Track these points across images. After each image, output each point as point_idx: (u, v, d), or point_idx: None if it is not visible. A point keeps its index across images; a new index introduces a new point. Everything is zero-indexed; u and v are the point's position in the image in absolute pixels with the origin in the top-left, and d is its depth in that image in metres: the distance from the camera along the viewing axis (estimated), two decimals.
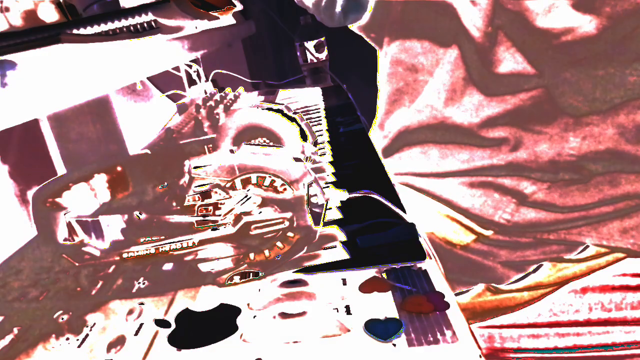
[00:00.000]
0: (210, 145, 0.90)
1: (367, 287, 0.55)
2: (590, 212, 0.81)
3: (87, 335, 0.54)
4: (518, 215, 0.83)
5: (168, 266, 0.66)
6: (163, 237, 0.69)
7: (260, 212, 0.71)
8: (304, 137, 0.93)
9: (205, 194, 0.76)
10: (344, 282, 0.56)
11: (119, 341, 0.53)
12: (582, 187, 0.80)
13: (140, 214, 0.72)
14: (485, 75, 0.78)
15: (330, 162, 0.93)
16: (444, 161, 0.90)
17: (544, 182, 0.81)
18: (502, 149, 0.83)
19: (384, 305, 0.51)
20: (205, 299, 0.58)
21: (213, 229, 0.69)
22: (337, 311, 0.51)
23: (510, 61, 0.77)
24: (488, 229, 0.85)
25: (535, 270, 0.85)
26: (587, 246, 0.83)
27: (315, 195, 0.75)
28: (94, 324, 0.56)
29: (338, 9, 0.96)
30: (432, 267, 0.57)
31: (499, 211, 0.84)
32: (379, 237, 0.65)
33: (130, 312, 0.57)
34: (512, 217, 0.83)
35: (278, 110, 0.95)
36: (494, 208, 0.84)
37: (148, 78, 1.46)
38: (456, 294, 0.90)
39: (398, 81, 0.82)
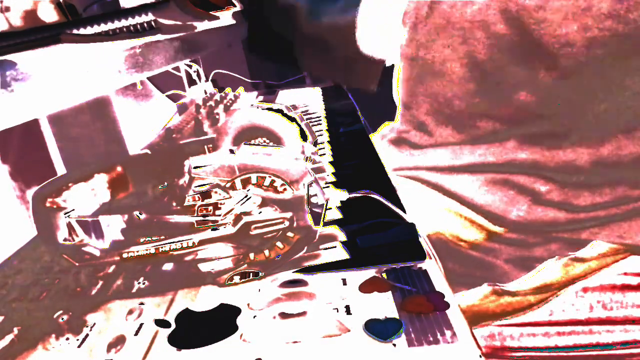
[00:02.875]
0: (210, 145, 0.90)
1: (367, 287, 0.55)
2: (604, 211, 0.80)
3: (87, 335, 0.54)
4: (532, 213, 0.82)
5: (168, 266, 0.66)
6: (163, 237, 0.69)
7: (260, 212, 0.71)
8: (304, 137, 0.93)
9: (205, 194, 0.76)
10: (344, 282, 0.56)
11: (119, 341, 0.53)
12: (597, 187, 0.79)
13: (140, 214, 0.72)
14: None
15: (330, 162, 0.93)
16: (459, 156, 0.89)
17: (559, 182, 0.80)
18: (519, 147, 0.82)
19: (384, 305, 0.51)
20: (205, 299, 0.58)
21: (213, 229, 0.69)
22: (337, 311, 0.51)
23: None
24: (500, 227, 0.85)
25: (543, 270, 0.85)
26: (598, 244, 0.82)
27: (315, 195, 0.75)
28: (94, 324, 0.56)
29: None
30: (432, 267, 0.57)
31: (512, 209, 0.83)
32: (379, 237, 0.65)
33: (130, 312, 0.57)
34: (526, 215, 0.83)
35: (278, 110, 0.95)
36: (507, 205, 0.84)
37: (148, 78, 1.46)
38: (462, 295, 0.89)
39: (418, 67, 0.80)
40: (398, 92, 0.99)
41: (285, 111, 0.97)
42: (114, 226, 0.71)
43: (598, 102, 0.75)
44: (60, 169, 0.97)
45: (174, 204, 0.76)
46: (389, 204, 0.73)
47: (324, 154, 0.98)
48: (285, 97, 1.58)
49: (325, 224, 0.70)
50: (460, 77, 0.77)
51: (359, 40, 0.84)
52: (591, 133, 0.77)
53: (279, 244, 0.65)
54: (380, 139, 1.08)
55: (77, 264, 0.69)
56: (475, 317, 0.89)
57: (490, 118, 0.83)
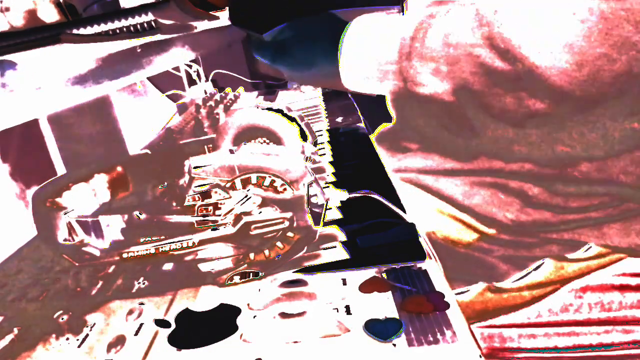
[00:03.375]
0: (210, 145, 0.90)
1: (367, 287, 0.55)
2: (595, 213, 0.80)
3: (87, 335, 0.54)
4: (522, 215, 0.83)
5: (168, 266, 0.66)
6: (163, 237, 0.69)
7: (260, 212, 0.71)
8: (304, 137, 0.93)
9: (205, 194, 0.76)
10: (344, 282, 0.56)
11: (119, 341, 0.53)
12: (589, 191, 0.80)
13: (140, 214, 0.72)
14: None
15: (330, 162, 0.93)
16: (450, 159, 0.89)
17: (549, 186, 0.81)
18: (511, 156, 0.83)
19: (384, 305, 0.51)
20: (205, 299, 0.58)
21: (213, 229, 0.69)
22: (337, 311, 0.51)
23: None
24: (491, 228, 0.85)
25: (536, 268, 0.85)
26: (591, 246, 0.82)
27: (315, 195, 0.75)
28: (94, 324, 0.56)
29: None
30: (432, 267, 0.57)
31: (503, 211, 0.84)
32: (379, 237, 0.65)
33: (130, 312, 0.57)
34: (516, 216, 0.83)
35: (278, 110, 0.95)
36: (498, 207, 0.84)
37: (148, 78, 1.46)
38: (457, 293, 0.89)
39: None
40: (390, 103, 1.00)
41: (285, 111, 0.97)
42: (114, 226, 0.71)
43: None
44: (60, 169, 0.97)
45: (174, 204, 0.76)
46: (389, 204, 0.73)
47: (324, 154, 0.98)
48: (285, 97, 1.58)
49: (325, 224, 0.70)
50: (449, 105, 0.78)
51: (346, 84, 0.85)
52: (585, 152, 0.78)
53: (279, 244, 0.65)
54: (377, 140, 1.08)
55: (77, 264, 0.69)
56: (470, 314, 0.89)
57: (480, 141, 0.83)
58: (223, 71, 1.65)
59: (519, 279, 0.86)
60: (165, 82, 1.55)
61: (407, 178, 0.95)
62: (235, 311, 0.54)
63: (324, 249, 0.64)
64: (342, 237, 0.67)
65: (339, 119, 1.26)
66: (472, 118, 0.79)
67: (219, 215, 0.72)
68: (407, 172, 0.95)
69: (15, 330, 0.56)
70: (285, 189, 0.77)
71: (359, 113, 1.30)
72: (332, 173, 0.88)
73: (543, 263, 0.84)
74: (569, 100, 0.71)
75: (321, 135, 1.11)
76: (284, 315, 0.51)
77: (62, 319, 0.56)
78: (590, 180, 0.78)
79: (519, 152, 0.81)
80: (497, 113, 0.76)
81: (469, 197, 0.86)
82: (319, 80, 0.94)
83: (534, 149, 0.80)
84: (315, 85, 0.98)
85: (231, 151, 0.82)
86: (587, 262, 0.83)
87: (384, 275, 0.57)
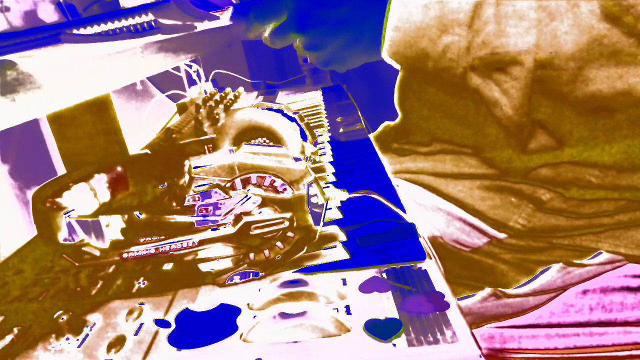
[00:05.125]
0: (210, 145, 0.90)
1: (367, 287, 0.55)
2: (608, 219, 0.79)
3: (87, 335, 0.54)
4: (534, 220, 0.81)
5: (168, 266, 0.66)
6: (163, 237, 0.69)
7: (260, 212, 0.71)
8: (304, 137, 0.93)
9: (205, 194, 0.76)
10: (344, 282, 0.56)
11: (119, 341, 0.53)
12: (602, 197, 0.78)
13: (141, 214, 0.72)
14: None
15: (330, 162, 0.93)
16: (462, 162, 0.88)
17: (562, 191, 0.79)
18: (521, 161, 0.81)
19: (384, 305, 0.51)
20: (205, 299, 0.58)
21: (213, 229, 0.69)
22: (337, 311, 0.51)
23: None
24: (501, 232, 0.84)
25: (543, 274, 0.84)
26: (601, 252, 0.82)
27: (315, 195, 0.75)
28: (94, 324, 0.56)
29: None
30: (432, 267, 0.57)
31: (514, 215, 0.82)
32: (379, 237, 0.65)
33: (130, 312, 0.57)
34: (528, 221, 0.82)
35: (278, 110, 0.95)
36: (509, 212, 0.83)
37: (148, 78, 1.46)
38: (462, 298, 0.89)
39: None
40: (397, 100, 0.99)
41: (285, 111, 0.97)
42: (114, 226, 0.71)
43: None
44: (60, 169, 0.97)
45: (174, 204, 0.76)
46: (389, 204, 0.73)
47: (324, 154, 0.98)
48: (286, 97, 1.58)
49: (325, 224, 0.70)
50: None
51: (388, 47, 0.76)
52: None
53: (279, 244, 0.65)
54: (381, 140, 1.07)
55: (77, 264, 0.69)
56: (475, 319, 0.89)
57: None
58: (223, 71, 1.65)
59: (524, 285, 0.85)
60: (165, 82, 1.55)
61: (415, 179, 0.94)
62: (235, 311, 0.54)
63: (324, 249, 0.64)
64: (342, 237, 0.67)
65: (339, 119, 1.26)
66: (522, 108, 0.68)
67: (219, 215, 0.72)
68: (416, 174, 0.94)
69: (15, 330, 0.56)
70: (285, 189, 0.77)
71: (359, 113, 1.30)
72: (332, 173, 0.88)
73: (550, 268, 0.84)
74: None
75: (321, 135, 1.11)
76: (284, 315, 0.51)
77: (62, 319, 0.56)
78: (606, 185, 0.77)
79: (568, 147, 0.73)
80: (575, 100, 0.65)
81: (480, 201, 0.85)
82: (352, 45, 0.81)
83: (587, 148, 0.73)
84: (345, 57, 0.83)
85: (231, 151, 0.82)
86: (592, 267, 0.83)
87: (384, 275, 0.56)
